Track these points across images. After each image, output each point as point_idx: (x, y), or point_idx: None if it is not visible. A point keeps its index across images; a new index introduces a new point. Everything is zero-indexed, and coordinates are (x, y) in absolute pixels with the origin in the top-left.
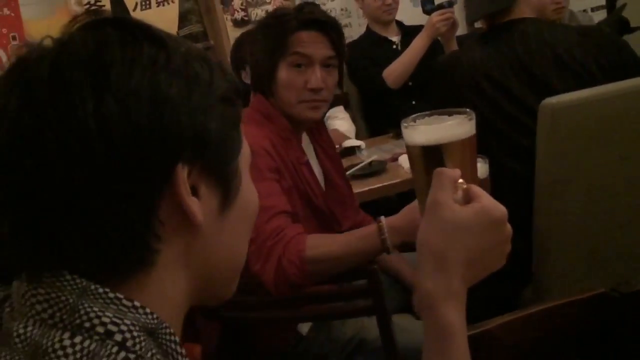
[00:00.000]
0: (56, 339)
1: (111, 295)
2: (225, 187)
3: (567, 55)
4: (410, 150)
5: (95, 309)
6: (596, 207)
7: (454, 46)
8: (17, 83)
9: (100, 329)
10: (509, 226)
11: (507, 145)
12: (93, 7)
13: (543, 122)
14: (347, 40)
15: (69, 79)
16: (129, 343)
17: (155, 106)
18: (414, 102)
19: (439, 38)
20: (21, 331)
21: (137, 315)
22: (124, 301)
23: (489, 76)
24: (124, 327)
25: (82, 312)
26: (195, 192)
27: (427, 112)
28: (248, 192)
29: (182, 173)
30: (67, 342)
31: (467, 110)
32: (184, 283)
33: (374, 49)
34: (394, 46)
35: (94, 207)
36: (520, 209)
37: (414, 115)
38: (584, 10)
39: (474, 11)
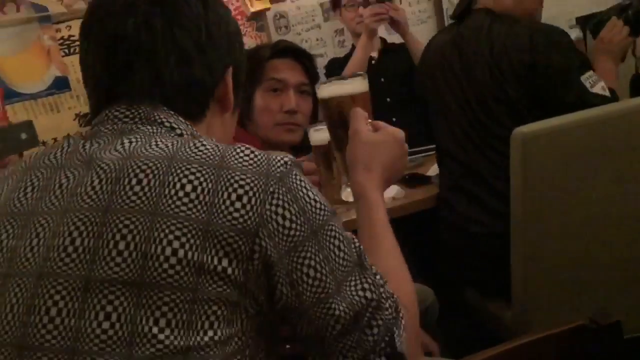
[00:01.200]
0: (134, 127)
1: (173, 113)
2: (236, 99)
3: (494, 48)
4: (325, 102)
5: (162, 116)
6: (573, 234)
7: (415, 41)
8: None
9: (167, 124)
10: (406, 145)
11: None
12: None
13: (515, 151)
14: None
15: None
16: (186, 135)
17: (231, 26)
18: (394, 119)
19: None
20: (106, 128)
21: (189, 128)
22: (182, 120)
23: (440, 62)
24: (183, 128)
25: (156, 114)
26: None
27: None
28: (236, 116)
29: (230, 72)
30: (142, 127)
31: (362, 73)
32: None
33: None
34: (372, 61)
35: (194, 72)
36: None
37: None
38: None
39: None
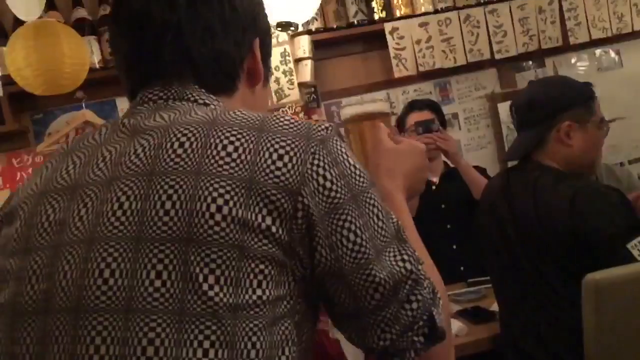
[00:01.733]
0: (169, 103)
1: (204, 90)
2: (266, 70)
3: (539, 207)
4: (348, 122)
5: (195, 93)
6: None
7: (470, 171)
8: None
9: (200, 101)
10: (426, 159)
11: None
12: None
13: (587, 296)
14: None
15: None
16: (219, 110)
17: (255, 11)
18: (454, 247)
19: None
20: (143, 108)
21: (220, 104)
22: (213, 97)
23: (491, 211)
24: (215, 104)
25: (188, 92)
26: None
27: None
28: (268, 92)
29: (258, 44)
30: (178, 103)
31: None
32: None
33: None
34: (433, 187)
35: (221, 46)
36: None
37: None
38: (621, 164)
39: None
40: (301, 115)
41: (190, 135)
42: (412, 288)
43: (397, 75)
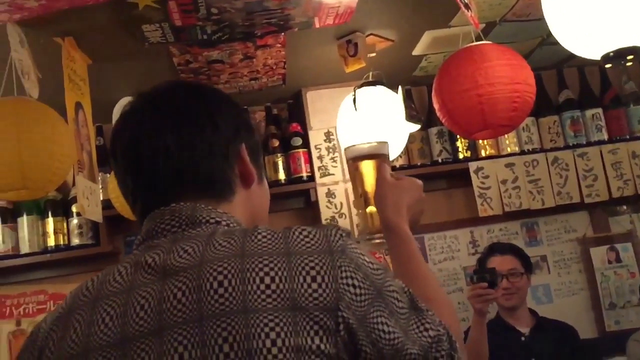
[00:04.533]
0: (185, 231)
1: (211, 208)
2: (258, 170)
3: None
4: (351, 162)
5: (204, 214)
6: None
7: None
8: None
9: (212, 221)
10: (423, 193)
11: None
12: None
13: None
14: None
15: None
16: (231, 225)
17: (233, 111)
18: None
19: None
20: (160, 241)
21: (230, 217)
22: (219, 210)
23: None
24: (225, 219)
25: (197, 215)
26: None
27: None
28: (266, 183)
29: (244, 150)
30: (193, 231)
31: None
32: (246, 216)
33: (501, 335)
34: (522, 338)
35: (210, 164)
36: None
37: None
38: None
39: None
40: (384, 251)
41: (226, 272)
42: (437, 348)
43: (482, 214)
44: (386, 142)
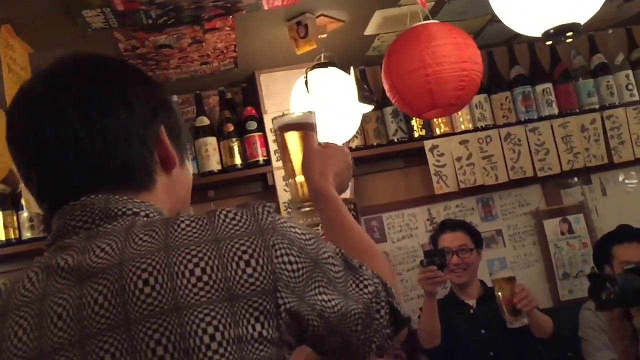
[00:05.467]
0: (99, 227)
1: (127, 198)
2: (179, 153)
3: None
4: (277, 132)
5: (119, 205)
6: None
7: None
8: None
9: (129, 212)
10: (351, 158)
11: None
12: None
13: None
14: None
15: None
16: (151, 215)
17: (151, 91)
18: None
19: None
20: (72, 240)
21: (149, 205)
22: (136, 200)
23: None
24: (143, 208)
25: (112, 207)
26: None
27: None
28: (190, 165)
29: (163, 132)
30: (108, 226)
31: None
32: (168, 205)
33: (452, 311)
34: (471, 310)
35: (126, 149)
36: None
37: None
38: None
39: None
40: None
41: (151, 269)
42: (377, 300)
43: (438, 191)
44: (313, 112)
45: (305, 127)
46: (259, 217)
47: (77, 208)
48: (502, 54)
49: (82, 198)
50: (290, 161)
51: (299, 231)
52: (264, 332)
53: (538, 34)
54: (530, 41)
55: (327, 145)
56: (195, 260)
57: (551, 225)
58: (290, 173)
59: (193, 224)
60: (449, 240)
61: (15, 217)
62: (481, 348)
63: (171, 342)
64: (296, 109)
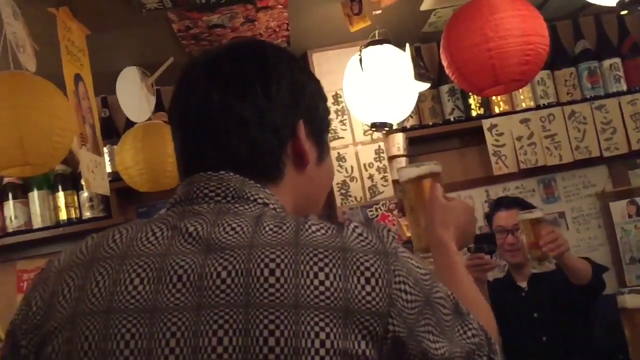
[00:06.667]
0: (230, 204)
1: (259, 186)
2: (320, 149)
3: None
4: (404, 184)
5: (253, 191)
6: None
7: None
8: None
9: (259, 200)
10: (475, 215)
11: None
12: None
13: None
14: None
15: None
16: (278, 210)
17: (295, 80)
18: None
19: None
20: (202, 208)
21: (277, 200)
22: (268, 191)
23: None
24: (272, 202)
25: (246, 190)
26: (305, 142)
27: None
28: (330, 162)
29: (301, 126)
30: (240, 207)
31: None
32: (291, 204)
33: (503, 293)
34: (522, 294)
35: (256, 135)
36: None
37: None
38: None
39: None
40: (395, 212)
41: (279, 260)
42: (479, 353)
43: (496, 172)
44: (439, 164)
45: (432, 178)
46: (384, 240)
47: (213, 179)
48: (567, 28)
49: (220, 172)
50: (415, 211)
51: (415, 264)
52: (367, 352)
53: (612, 3)
54: (597, 13)
55: (452, 199)
56: (321, 264)
57: (618, 208)
58: (414, 222)
59: (322, 230)
60: (504, 218)
61: (76, 197)
62: (533, 333)
63: (284, 336)
64: (422, 162)
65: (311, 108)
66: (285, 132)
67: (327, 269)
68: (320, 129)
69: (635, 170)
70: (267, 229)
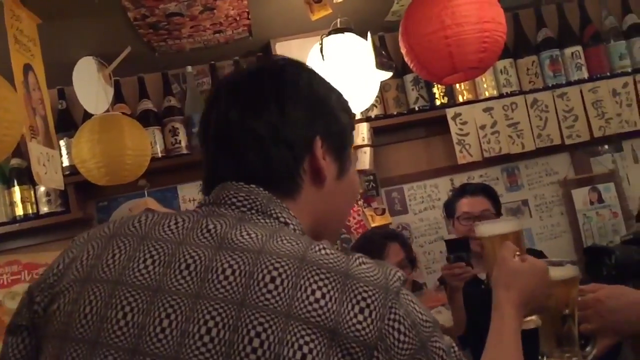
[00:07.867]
0: (254, 215)
1: (284, 206)
2: (341, 164)
3: None
4: (481, 240)
5: (277, 209)
6: None
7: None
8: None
9: (281, 219)
10: (548, 276)
11: None
12: None
13: None
14: None
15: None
16: (297, 231)
17: (313, 97)
18: None
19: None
20: (226, 212)
21: (298, 222)
22: (291, 213)
23: None
24: (294, 223)
25: (272, 207)
26: (323, 159)
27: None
28: (353, 176)
29: (318, 143)
30: (261, 220)
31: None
32: (309, 221)
33: (467, 288)
34: (482, 285)
35: (270, 152)
36: None
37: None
38: None
39: None
40: (360, 202)
41: (281, 270)
42: None
43: (460, 161)
44: (516, 219)
45: (511, 237)
46: (389, 278)
47: (244, 190)
48: (529, 17)
49: (251, 185)
50: (490, 268)
51: (418, 309)
52: None
53: None
54: (559, 2)
55: (525, 260)
56: (320, 283)
57: (580, 195)
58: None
59: (332, 254)
60: (470, 204)
61: (32, 192)
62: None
63: (269, 340)
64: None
65: (331, 123)
66: (300, 147)
67: (325, 289)
68: (340, 144)
69: (596, 157)
70: (279, 240)
